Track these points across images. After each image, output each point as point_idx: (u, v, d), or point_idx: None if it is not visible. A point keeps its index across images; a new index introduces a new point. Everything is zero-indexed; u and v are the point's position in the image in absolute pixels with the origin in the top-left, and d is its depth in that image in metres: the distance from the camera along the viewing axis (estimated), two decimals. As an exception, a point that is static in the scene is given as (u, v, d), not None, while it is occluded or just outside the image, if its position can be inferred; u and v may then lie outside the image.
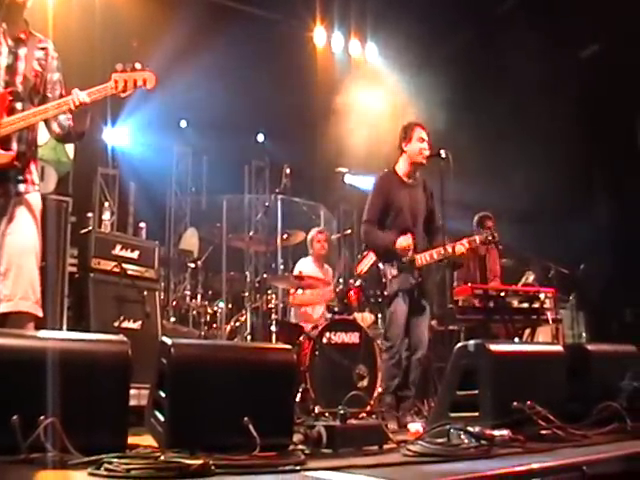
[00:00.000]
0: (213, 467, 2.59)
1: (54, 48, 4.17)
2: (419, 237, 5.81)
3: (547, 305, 6.92)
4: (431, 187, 5.99)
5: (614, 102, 9.70)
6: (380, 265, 5.69)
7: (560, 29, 9.34)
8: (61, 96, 4.07)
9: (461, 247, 5.66)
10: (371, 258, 5.73)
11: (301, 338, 6.62)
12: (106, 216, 6.99)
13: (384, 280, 5.61)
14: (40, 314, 3.91)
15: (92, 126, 4.26)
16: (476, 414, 3.76)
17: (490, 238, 5.80)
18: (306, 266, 7.99)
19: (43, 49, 4.10)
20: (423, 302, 5.80)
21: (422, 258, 5.65)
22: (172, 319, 8.68)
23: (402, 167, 5.89)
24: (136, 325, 5.93)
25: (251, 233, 9.13)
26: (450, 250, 5.59)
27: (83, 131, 4.19)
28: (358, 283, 6.40)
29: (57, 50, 4.19)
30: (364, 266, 5.78)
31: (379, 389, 6.26)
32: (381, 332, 7.25)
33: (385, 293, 5.59)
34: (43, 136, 4.33)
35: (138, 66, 3.99)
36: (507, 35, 9.49)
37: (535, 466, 2.78)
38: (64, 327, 5.62)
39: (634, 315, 10.28)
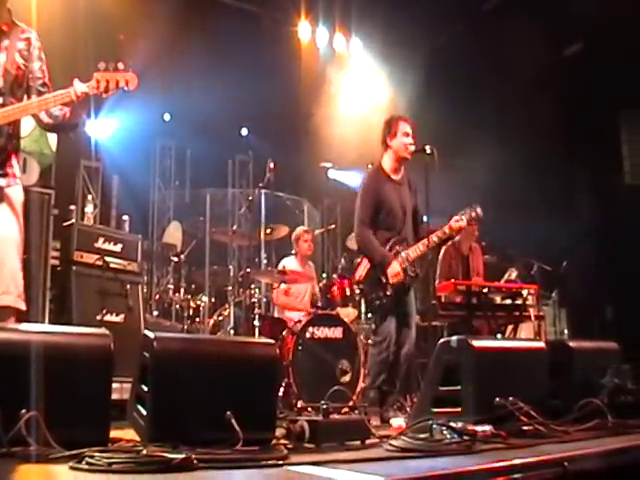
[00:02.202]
0: (195, 461, 2.58)
1: (37, 37, 4.06)
2: (408, 233, 5.80)
3: (529, 302, 6.96)
4: (416, 184, 5.98)
5: (597, 100, 9.76)
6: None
7: (544, 28, 9.38)
8: (44, 85, 3.99)
9: (460, 222, 5.72)
10: (367, 264, 5.69)
11: (284, 332, 6.62)
12: (89, 209, 6.94)
13: (384, 281, 5.55)
14: (23, 307, 3.87)
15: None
16: (458, 410, 3.77)
17: (473, 215, 5.81)
18: (290, 264, 7.97)
19: (26, 39, 4.00)
20: (412, 296, 5.81)
21: (415, 250, 5.64)
22: (155, 313, 8.66)
23: (388, 163, 5.85)
24: (119, 318, 5.91)
25: (234, 227, 9.13)
26: (448, 230, 5.68)
27: (77, 123, 4.11)
28: (358, 290, 6.50)
29: (41, 41, 4.09)
30: (362, 272, 5.73)
31: (362, 384, 6.27)
32: (364, 327, 7.27)
33: (387, 293, 5.54)
34: (26, 127, 4.26)
35: (121, 66, 3.84)
36: (492, 32, 9.53)
37: (517, 462, 2.79)
38: (46, 320, 5.57)
39: (616, 312, 10.35)
